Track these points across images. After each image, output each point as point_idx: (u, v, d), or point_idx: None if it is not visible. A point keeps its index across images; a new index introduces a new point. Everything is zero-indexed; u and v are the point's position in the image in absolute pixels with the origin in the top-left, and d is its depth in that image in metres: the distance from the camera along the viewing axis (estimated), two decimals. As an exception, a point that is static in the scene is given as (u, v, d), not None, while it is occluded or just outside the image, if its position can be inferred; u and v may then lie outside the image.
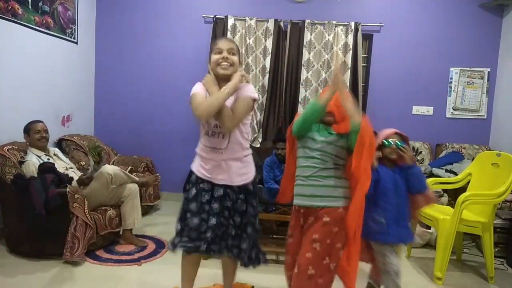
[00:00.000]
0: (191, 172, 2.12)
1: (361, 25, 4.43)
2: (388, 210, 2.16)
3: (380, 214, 2.17)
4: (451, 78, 4.61)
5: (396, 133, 2.25)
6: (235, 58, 2.01)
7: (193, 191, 2.05)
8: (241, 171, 2.05)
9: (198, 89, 2.00)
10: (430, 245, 3.59)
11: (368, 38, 4.68)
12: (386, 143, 2.20)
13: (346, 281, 1.95)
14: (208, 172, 2.03)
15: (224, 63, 1.98)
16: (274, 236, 3.38)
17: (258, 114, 4.60)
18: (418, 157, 4.49)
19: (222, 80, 1.99)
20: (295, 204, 2.04)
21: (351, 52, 4.42)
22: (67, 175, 3.14)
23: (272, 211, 3.35)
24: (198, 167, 2.08)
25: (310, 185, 1.96)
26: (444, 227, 2.91)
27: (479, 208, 3.05)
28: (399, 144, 2.19)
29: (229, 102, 1.97)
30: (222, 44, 2.01)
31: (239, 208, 2.05)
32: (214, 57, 2.00)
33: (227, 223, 2.03)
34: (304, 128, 1.98)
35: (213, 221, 1.99)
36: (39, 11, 3.68)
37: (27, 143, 3.24)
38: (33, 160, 3.08)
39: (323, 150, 1.96)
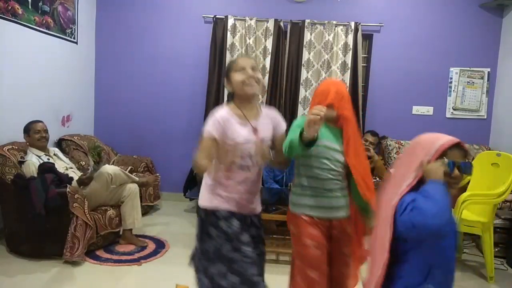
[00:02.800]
0: None
1: (361, 25, 4.42)
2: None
3: None
4: (451, 78, 4.60)
5: (459, 145, 1.35)
6: (260, 75, 1.83)
7: None
8: None
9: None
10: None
11: (368, 38, 4.68)
12: (446, 163, 1.33)
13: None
14: None
15: (250, 80, 1.78)
16: (274, 236, 3.39)
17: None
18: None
19: (246, 100, 1.82)
20: (313, 217, 1.85)
21: (351, 52, 4.41)
22: (67, 175, 3.14)
23: (272, 211, 3.36)
24: None
25: (333, 197, 1.86)
26: (444, 227, 2.89)
27: (479, 208, 3.05)
28: (465, 167, 1.35)
29: (267, 133, 1.85)
30: (243, 61, 1.82)
31: None
32: (238, 76, 1.78)
33: None
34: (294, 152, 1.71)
35: None
36: (39, 11, 3.68)
37: (27, 143, 3.24)
38: (33, 160, 3.08)
39: (340, 161, 1.85)
